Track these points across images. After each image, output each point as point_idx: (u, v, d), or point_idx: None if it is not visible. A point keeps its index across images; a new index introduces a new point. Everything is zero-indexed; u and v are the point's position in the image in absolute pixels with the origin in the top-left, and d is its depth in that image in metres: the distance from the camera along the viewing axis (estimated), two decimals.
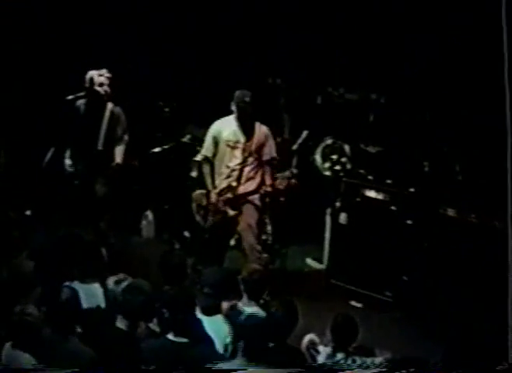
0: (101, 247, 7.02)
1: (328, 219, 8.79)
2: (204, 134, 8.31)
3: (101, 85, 8.31)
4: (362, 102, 9.59)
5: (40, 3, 10.01)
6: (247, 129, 8.03)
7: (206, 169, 8.20)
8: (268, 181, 7.99)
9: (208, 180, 8.16)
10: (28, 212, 7.62)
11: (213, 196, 8.06)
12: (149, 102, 9.93)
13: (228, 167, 8.04)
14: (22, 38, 9.99)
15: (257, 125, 8.08)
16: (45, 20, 9.99)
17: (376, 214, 8.33)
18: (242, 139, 8.02)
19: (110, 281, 6.11)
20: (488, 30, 8.45)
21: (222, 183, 8.07)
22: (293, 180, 7.94)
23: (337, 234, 8.61)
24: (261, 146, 8.04)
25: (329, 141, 9.49)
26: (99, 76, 8.30)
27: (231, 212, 8.02)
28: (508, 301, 6.06)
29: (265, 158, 8.06)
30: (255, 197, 8.02)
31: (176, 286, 6.33)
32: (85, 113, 8.45)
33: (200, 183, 8.61)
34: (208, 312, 6.13)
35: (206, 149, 8.19)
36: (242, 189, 8.00)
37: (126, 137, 8.51)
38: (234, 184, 8.01)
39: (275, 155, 8.12)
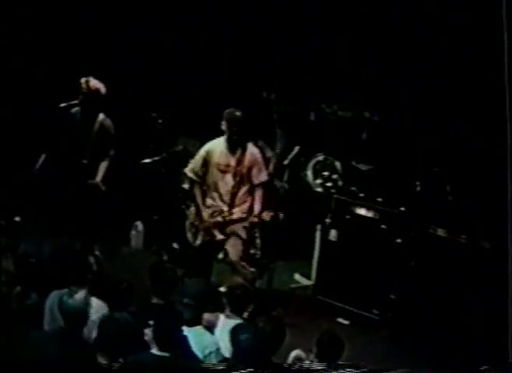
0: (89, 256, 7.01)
1: (318, 235, 8.78)
2: (196, 146, 8.30)
3: (96, 88, 8.26)
4: (355, 120, 9.61)
5: (36, 10, 10.02)
6: (237, 151, 7.97)
7: (196, 189, 8.14)
8: (257, 208, 7.94)
9: (199, 200, 8.12)
10: (17, 218, 7.60)
11: (203, 217, 8.04)
12: (142, 113, 9.92)
13: (219, 192, 8.01)
14: (14, 45, 10.00)
15: (249, 146, 8.04)
16: (40, 28, 10.00)
17: (366, 232, 8.32)
18: (232, 162, 7.97)
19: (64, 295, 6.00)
20: (483, 53, 8.52)
21: (213, 206, 8.04)
22: (280, 214, 7.92)
23: (326, 250, 8.60)
24: (251, 169, 7.99)
25: (321, 158, 9.50)
26: (87, 81, 8.25)
27: (219, 236, 7.99)
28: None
29: (255, 182, 8.02)
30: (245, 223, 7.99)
31: (165, 299, 6.32)
32: (75, 122, 8.40)
33: (192, 195, 8.63)
34: (189, 323, 6.08)
35: (192, 170, 8.12)
36: (233, 214, 7.97)
37: (112, 153, 8.44)
38: (225, 209, 7.98)
39: (266, 178, 8.08)
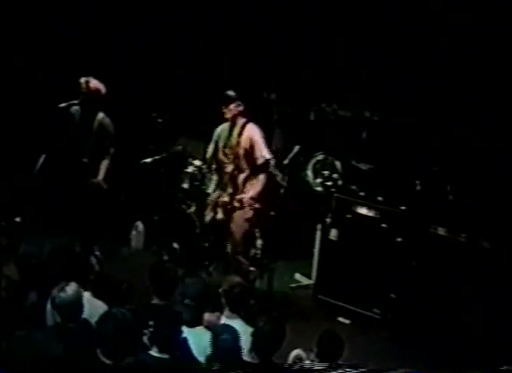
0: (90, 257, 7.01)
1: (318, 235, 8.77)
2: (197, 146, 8.33)
3: (96, 89, 8.27)
4: (355, 119, 9.60)
5: (36, 10, 10.03)
6: (236, 132, 8.06)
7: (213, 173, 8.36)
8: (257, 189, 7.96)
9: (213, 184, 8.33)
10: (18, 219, 7.60)
11: (212, 198, 8.20)
12: (143, 113, 9.92)
13: (224, 175, 8.10)
14: (14, 45, 10.00)
15: (248, 127, 8.07)
16: (40, 27, 10.00)
17: (366, 231, 8.31)
18: (233, 144, 8.05)
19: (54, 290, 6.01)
20: (483, 51, 8.52)
21: (221, 189, 8.17)
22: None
23: (326, 250, 8.59)
24: (249, 150, 8.02)
25: (320, 157, 9.50)
26: (87, 81, 8.26)
27: (219, 215, 8.06)
28: None
29: (258, 162, 8.05)
30: (247, 210, 8.01)
31: (165, 300, 6.31)
32: (75, 121, 8.41)
33: (192, 194, 8.65)
34: (189, 324, 6.07)
35: (208, 154, 8.33)
36: (236, 197, 8.02)
37: (112, 150, 8.46)
38: (230, 190, 8.04)
39: (266, 157, 8.06)
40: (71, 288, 5.77)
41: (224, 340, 5.76)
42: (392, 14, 9.10)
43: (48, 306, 6.07)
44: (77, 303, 5.78)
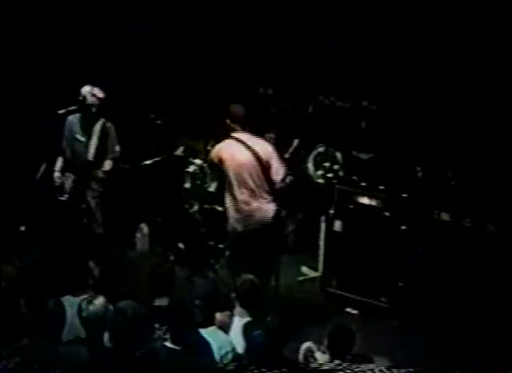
0: (90, 261, 7.07)
1: (323, 227, 8.78)
2: (196, 145, 8.34)
3: (94, 101, 8.31)
4: (353, 110, 9.60)
5: (35, 15, 10.06)
6: None
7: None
8: None
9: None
10: (22, 228, 7.63)
11: None
12: (141, 114, 9.93)
13: None
14: (13, 52, 10.03)
15: None
16: (41, 32, 10.03)
17: (370, 221, 8.32)
18: None
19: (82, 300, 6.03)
20: (480, 41, 8.52)
21: None
22: None
23: (331, 241, 8.60)
24: None
25: (321, 149, 9.50)
26: (92, 92, 8.31)
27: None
28: None
29: None
30: None
31: (165, 298, 6.33)
32: (76, 127, 8.45)
33: (194, 193, 8.67)
34: (202, 325, 6.10)
35: None
36: None
37: (117, 149, 8.52)
38: None
39: None
40: (99, 302, 5.81)
41: (257, 336, 5.79)
42: (389, 6, 9.10)
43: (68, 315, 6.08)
44: (103, 317, 5.81)
